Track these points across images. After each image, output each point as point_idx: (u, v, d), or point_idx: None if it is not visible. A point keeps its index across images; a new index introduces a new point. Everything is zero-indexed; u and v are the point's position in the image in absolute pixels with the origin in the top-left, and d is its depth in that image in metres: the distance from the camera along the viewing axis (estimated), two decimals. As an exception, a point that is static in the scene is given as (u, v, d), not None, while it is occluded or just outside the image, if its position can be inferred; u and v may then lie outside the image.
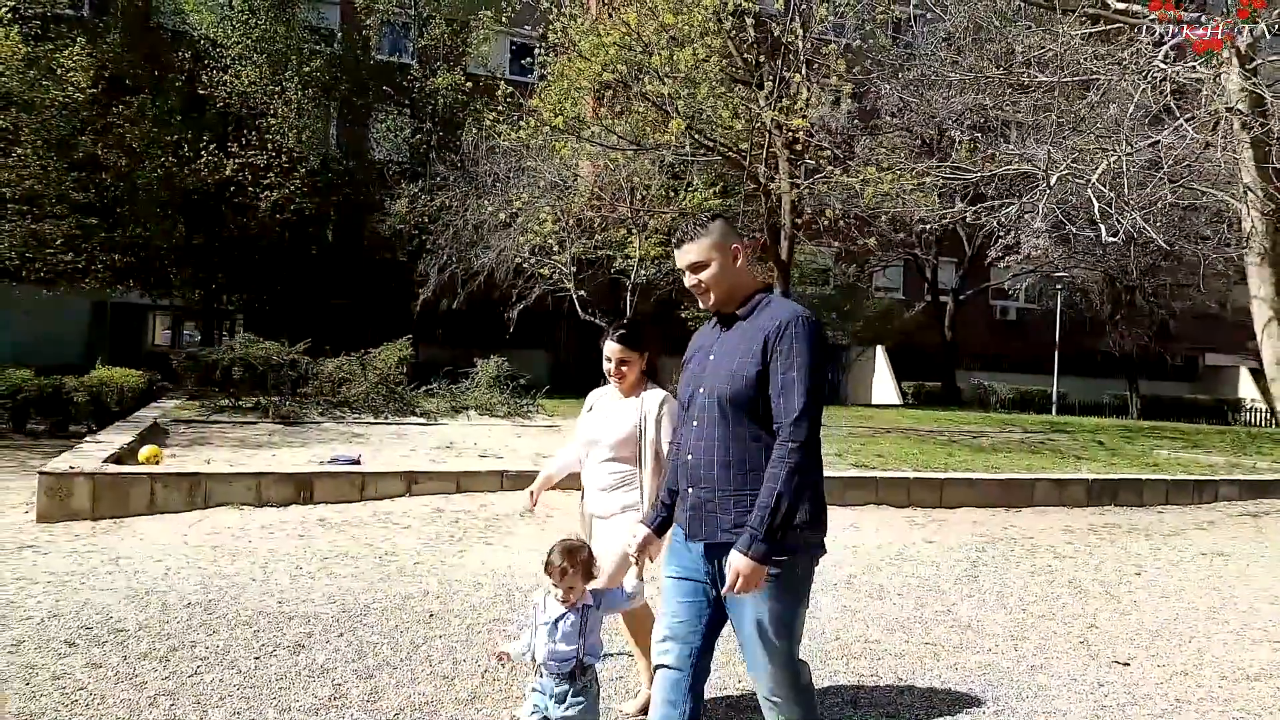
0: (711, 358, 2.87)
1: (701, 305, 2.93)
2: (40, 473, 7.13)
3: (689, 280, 2.90)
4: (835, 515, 8.45)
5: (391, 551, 6.55)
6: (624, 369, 3.71)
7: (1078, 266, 25.24)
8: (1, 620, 4.92)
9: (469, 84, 20.42)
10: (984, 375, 30.30)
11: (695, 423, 2.85)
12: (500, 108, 14.23)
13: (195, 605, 5.26)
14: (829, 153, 12.59)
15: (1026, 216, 19.48)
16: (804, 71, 12.73)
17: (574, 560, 3.18)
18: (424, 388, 14.43)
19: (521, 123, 14.12)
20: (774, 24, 13.77)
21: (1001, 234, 22.11)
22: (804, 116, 11.70)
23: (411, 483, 8.07)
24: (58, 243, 17.84)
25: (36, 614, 5.03)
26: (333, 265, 19.70)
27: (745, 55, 13.58)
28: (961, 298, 26.27)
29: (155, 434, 10.86)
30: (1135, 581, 7.10)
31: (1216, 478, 11.06)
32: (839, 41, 12.68)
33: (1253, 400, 32.53)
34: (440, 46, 20.85)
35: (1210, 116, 11.41)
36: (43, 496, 7.05)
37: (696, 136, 12.30)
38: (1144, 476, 10.77)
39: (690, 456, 2.85)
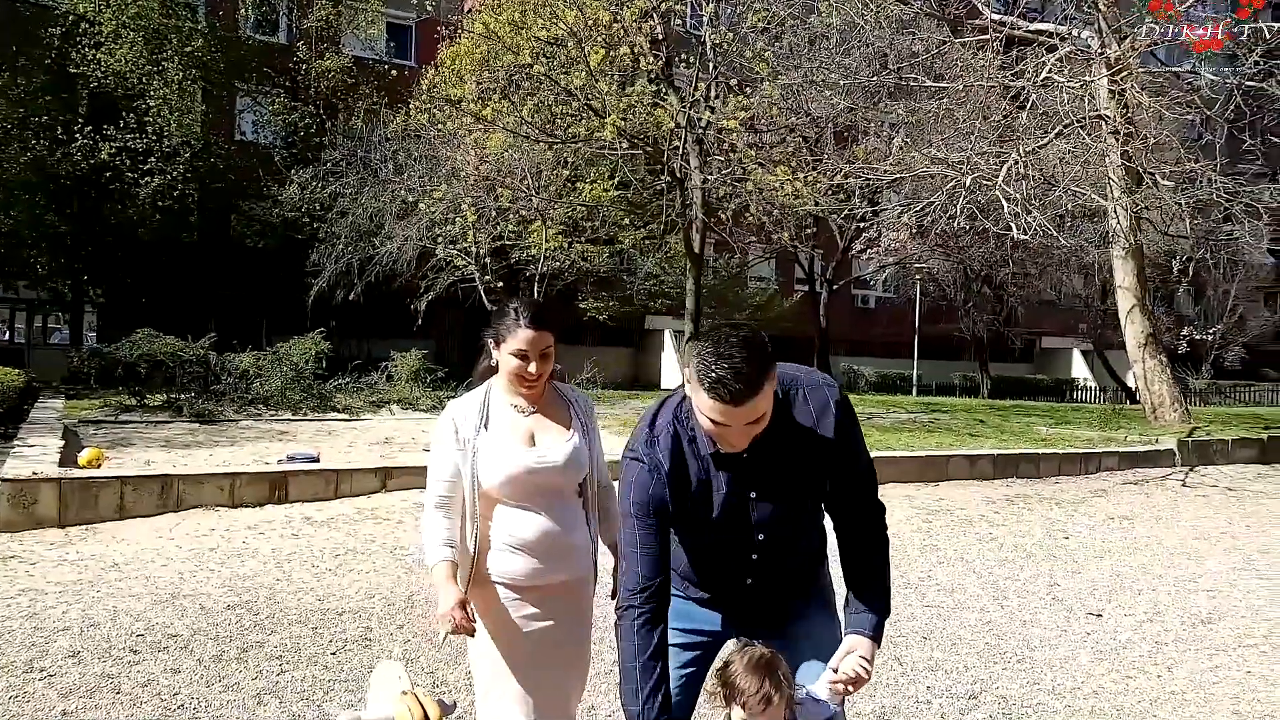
0: (754, 495, 2.25)
1: (724, 449, 2.16)
2: (1, 479, 6.72)
3: (737, 436, 2.10)
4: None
5: (400, 545, 6.60)
6: (545, 365, 2.60)
7: (933, 258, 27.26)
8: (37, 632, 4.74)
9: (354, 67, 19.91)
10: (850, 360, 31.98)
11: (755, 555, 2.34)
12: (424, 96, 14.03)
13: (236, 607, 5.21)
14: (752, 152, 13.16)
15: (886, 214, 20.93)
16: (713, 70, 13.25)
17: (776, 678, 2.05)
18: (335, 383, 14.09)
19: (438, 112, 14.00)
20: (685, 22, 14.22)
21: (869, 228, 23.63)
22: (728, 117, 12.19)
23: (386, 478, 8.05)
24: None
25: (72, 625, 4.85)
26: (218, 255, 18.80)
27: (655, 53, 13.97)
28: (835, 287, 27.72)
29: (68, 437, 10.26)
30: (1067, 545, 7.97)
31: (1098, 450, 12.30)
32: (764, 45, 13.22)
33: (1084, 379, 35.73)
34: (327, 28, 20.20)
35: (1089, 121, 12.68)
36: (5, 505, 6.65)
37: (623, 133, 12.59)
38: (1039, 451, 11.88)
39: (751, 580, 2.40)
